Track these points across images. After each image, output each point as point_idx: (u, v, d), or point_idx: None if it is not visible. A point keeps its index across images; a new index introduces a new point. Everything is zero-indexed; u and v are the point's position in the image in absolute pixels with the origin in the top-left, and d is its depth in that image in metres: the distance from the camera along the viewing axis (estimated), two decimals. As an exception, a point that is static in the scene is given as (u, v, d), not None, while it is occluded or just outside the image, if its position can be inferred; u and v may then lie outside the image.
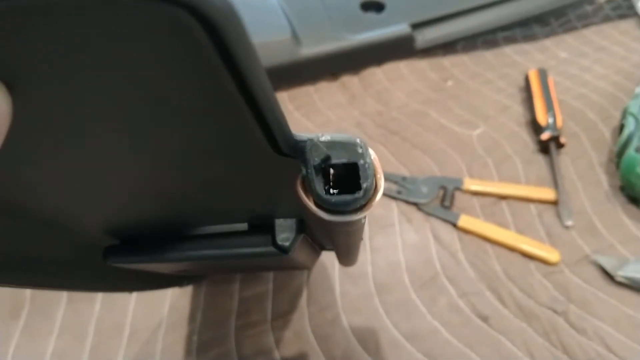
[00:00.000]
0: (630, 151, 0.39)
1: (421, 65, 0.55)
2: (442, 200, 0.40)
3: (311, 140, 0.12)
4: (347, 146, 0.12)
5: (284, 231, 0.19)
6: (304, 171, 0.12)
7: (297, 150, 0.12)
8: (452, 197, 0.40)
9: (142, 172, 0.13)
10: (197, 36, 0.07)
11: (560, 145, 0.43)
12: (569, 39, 0.58)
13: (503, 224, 0.39)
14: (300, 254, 0.21)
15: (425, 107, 0.49)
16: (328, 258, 0.36)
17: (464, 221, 0.38)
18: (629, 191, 0.40)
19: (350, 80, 0.53)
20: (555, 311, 0.33)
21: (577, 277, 0.35)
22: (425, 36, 0.55)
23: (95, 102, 0.09)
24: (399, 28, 0.53)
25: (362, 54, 0.53)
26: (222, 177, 0.14)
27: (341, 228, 0.16)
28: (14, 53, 0.07)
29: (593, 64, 0.54)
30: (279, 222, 0.19)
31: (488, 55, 0.56)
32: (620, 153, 0.41)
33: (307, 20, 0.52)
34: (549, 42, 0.58)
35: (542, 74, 0.49)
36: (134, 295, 0.35)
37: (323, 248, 0.27)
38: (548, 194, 0.40)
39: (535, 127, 0.45)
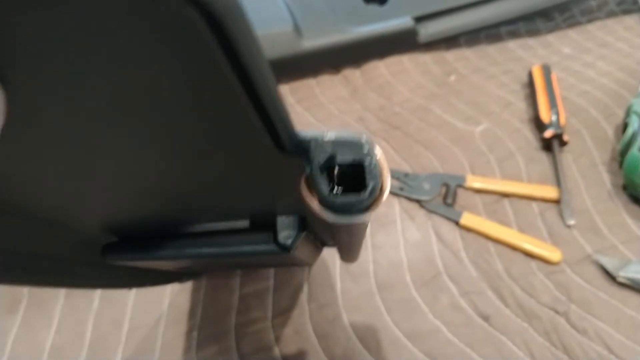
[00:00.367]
0: (634, 150, 0.38)
1: (424, 59, 0.54)
2: (444, 198, 0.40)
3: (315, 139, 0.12)
4: (353, 145, 0.12)
5: (286, 229, 0.18)
6: (307, 170, 0.12)
7: (301, 148, 0.12)
8: (455, 195, 0.40)
9: (143, 169, 0.13)
10: (200, 30, 0.07)
11: (563, 143, 0.43)
12: (572, 34, 0.57)
13: (505, 222, 0.38)
14: (301, 251, 0.21)
15: (428, 102, 0.49)
16: (329, 255, 0.36)
17: (467, 219, 0.38)
18: (631, 190, 0.39)
19: (352, 74, 0.52)
20: (556, 311, 0.33)
21: (579, 277, 0.35)
22: (429, 30, 0.54)
23: (94, 98, 0.09)
24: (402, 21, 0.53)
25: (364, 47, 0.52)
26: (224, 174, 0.14)
27: (345, 227, 0.16)
28: (7, 46, 0.07)
29: (596, 60, 0.53)
30: (281, 220, 0.18)
31: (491, 50, 0.56)
32: (624, 152, 0.40)
33: (309, 12, 0.52)
34: (552, 37, 0.57)
35: (546, 70, 0.48)
36: (133, 291, 0.35)
37: (325, 244, 0.27)
38: (550, 192, 0.40)
39: (538, 124, 0.45)
